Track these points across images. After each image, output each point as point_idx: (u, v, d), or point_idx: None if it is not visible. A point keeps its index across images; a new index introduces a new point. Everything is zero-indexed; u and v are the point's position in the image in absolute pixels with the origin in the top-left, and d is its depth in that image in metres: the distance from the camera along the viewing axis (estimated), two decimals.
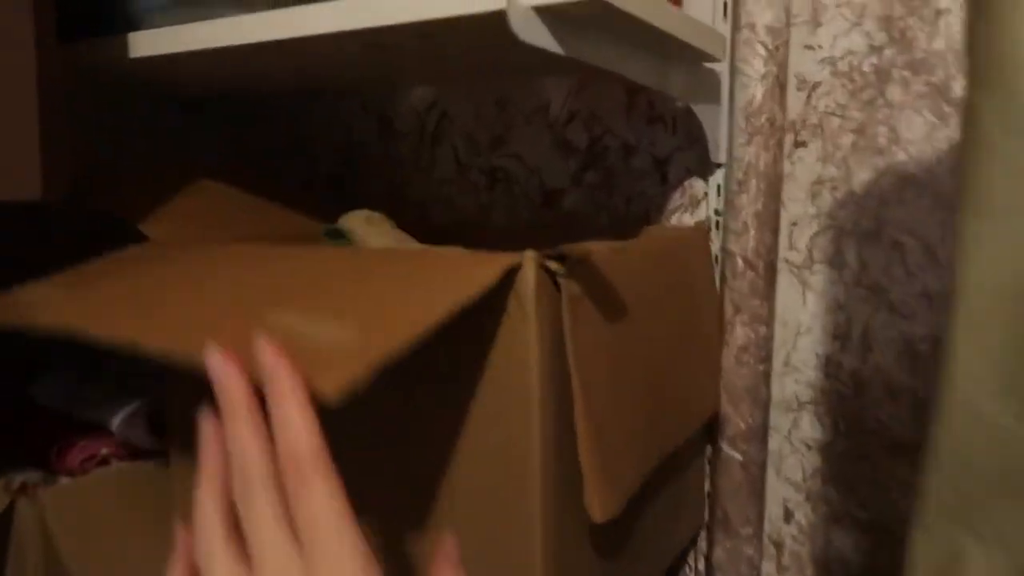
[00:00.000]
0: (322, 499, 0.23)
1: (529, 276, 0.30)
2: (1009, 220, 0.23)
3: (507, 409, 0.31)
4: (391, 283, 0.30)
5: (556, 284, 0.31)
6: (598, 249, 0.34)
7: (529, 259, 0.30)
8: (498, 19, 0.30)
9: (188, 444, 0.39)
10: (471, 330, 0.31)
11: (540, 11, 0.31)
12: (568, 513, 0.32)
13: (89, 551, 0.45)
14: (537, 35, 0.31)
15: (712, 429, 0.47)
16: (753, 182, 0.43)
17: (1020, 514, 0.25)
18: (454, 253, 0.33)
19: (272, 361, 0.24)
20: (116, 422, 0.54)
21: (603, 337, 0.34)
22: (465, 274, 0.30)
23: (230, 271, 0.35)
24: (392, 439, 0.34)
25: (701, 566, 0.50)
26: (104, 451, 0.52)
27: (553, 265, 0.31)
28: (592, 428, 0.32)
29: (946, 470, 0.26)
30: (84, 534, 0.45)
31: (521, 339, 0.30)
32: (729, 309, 0.45)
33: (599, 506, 0.31)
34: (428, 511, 0.34)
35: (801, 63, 0.47)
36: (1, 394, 0.61)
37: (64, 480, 0.48)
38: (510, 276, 0.30)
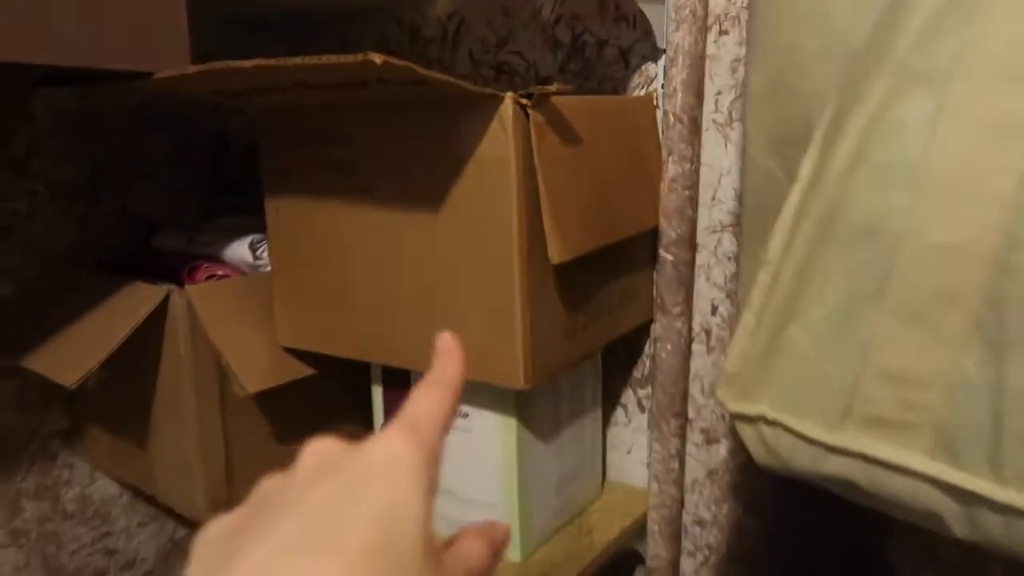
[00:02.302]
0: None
1: (508, 106, 0.48)
2: (766, 52, 0.40)
3: (495, 192, 0.50)
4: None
5: (526, 113, 0.49)
6: (559, 96, 0.52)
7: (508, 96, 0.48)
8: None
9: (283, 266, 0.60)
10: (472, 138, 0.49)
11: None
12: (536, 258, 0.51)
13: (218, 328, 0.65)
14: None
15: (654, 241, 0.65)
16: (680, 58, 0.60)
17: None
18: (466, 91, 0.51)
19: (450, 346, 0.28)
20: (227, 253, 0.74)
21: (560, 152, 0.52)
22: (477, 104, 0.48)
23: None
24: (408, 222, 0.53)
25: (653, 347, 0.70)
26: (220, 272, 0.72)
27: (524, 100, 0.49)
28: (551, 204, 0.50)
29: (748, 210, 0.44)
30: (215, 317, 0.65)
31: (503, 146, 0.49)
32: (664, 152, 0.62)
33: (556, 250, 0.50)
34: (437, 265, 0.53)
35: None
36: (133, 246, 0.81)
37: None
38: (496, 105, 0.48)
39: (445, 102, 0.50)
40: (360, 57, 0.40)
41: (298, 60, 0.43)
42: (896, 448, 0.35)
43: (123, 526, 0.85)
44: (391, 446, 0.23)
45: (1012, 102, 0.29)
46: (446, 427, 0.25)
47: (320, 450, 0.24)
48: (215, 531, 0.23)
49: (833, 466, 0.37)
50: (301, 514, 0.21)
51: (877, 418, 0.35)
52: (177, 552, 0.91)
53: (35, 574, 0.78)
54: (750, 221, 0.44)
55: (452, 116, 0.51)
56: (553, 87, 0.49)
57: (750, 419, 0.39)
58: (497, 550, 0.28)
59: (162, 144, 0.85)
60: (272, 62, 0.44)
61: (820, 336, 0.36)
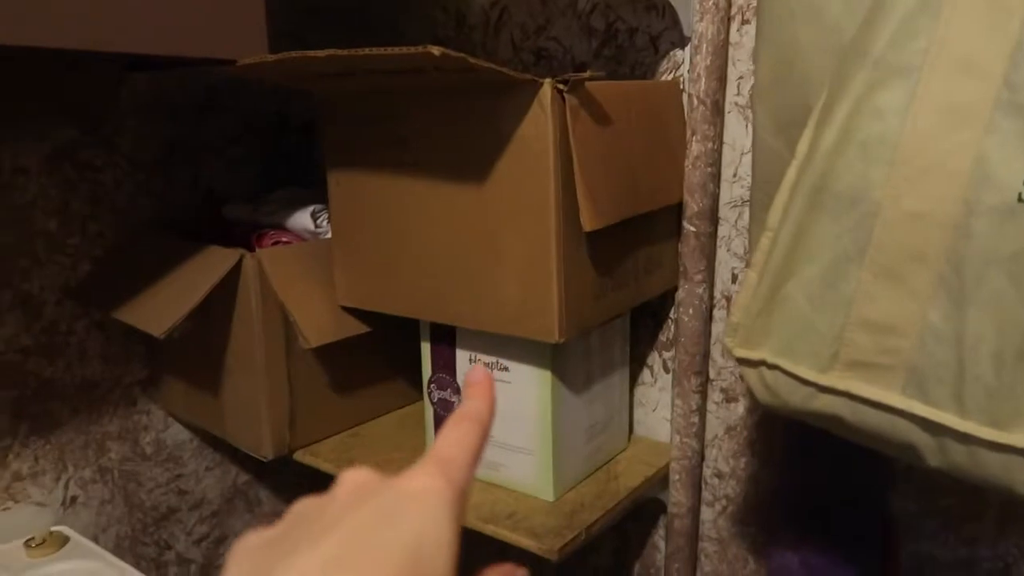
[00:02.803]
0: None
1: (547, 90, 0.55)
2: (771, 45, 0.46)
3: (534, 167, 0.56)
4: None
5: (563, 97, 0.56)
6: (593, 81, 0.58)
7: (547, 81, 0.55)
8: None
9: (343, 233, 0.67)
10: (514, 119, 0.56)
11: None
12: (570, 227, 0.57)
13: (285, 287, 0.72)
14: None
15: (679, 214, 0.71)
16: (704, 46, 0.66)
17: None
18: (509, 77, 0.57)
19: (481, 379, 0.29)
20: (290, 222, 0.81)
21: (593, 131, 0.58)
22: (519, 89, 0.54)
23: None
24: (455, 193, 0.60)
25: (676, 311, 0.76)
26: (284, 239, 0.80)
27: (560, 85, 0.55)
28: (584, 178, 0.57)
29: (757, 183, 0.50)
30: (283, 278, 0.73)
31: (542, 126, 0.55)
32: (688, 132, 0.68)
33: (588, 220, 0.57)
34: (481, 232, 0.60)
35: None
36: (204, 215, 0.89)
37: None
38: (536, 90, 0.55)
39: (490, 87, 0.57)
40: (421, 49, 0.47)
41: (367, 51, 0.50)
42: (875, 387, 0.41)
43: (192, 469, 0.95)
44: (424, 480, 0.24)
45: (967, 91, 0.35)
46: (476, 462, 0.27)
47: (358, 480, 0.25)
48: (254, 541, 0.24)
49: (823, 404, 0.43)
50: (342, 533, 0.22)
51: (859, 362, 0.41)
52: (239, 496, 1.01)
53: (118, 508, 0.88)
54: (758, 193, 0.50)
55: (496, 99, 0.57)
56: (587, 74, 0.55)
57: (753, 363, 0.45)
58: None
59: (227, 123, 0.92)
60: (344, 52, 0.51)
61: (812, 291, 0.42)
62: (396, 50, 0.49)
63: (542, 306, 0.59)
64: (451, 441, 0.27)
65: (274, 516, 1.05)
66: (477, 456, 0.27)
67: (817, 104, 0.41)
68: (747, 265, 0.48)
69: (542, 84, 0.55)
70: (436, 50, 0.47)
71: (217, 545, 0.99)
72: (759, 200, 0.49)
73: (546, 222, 0.57)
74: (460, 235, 0.63)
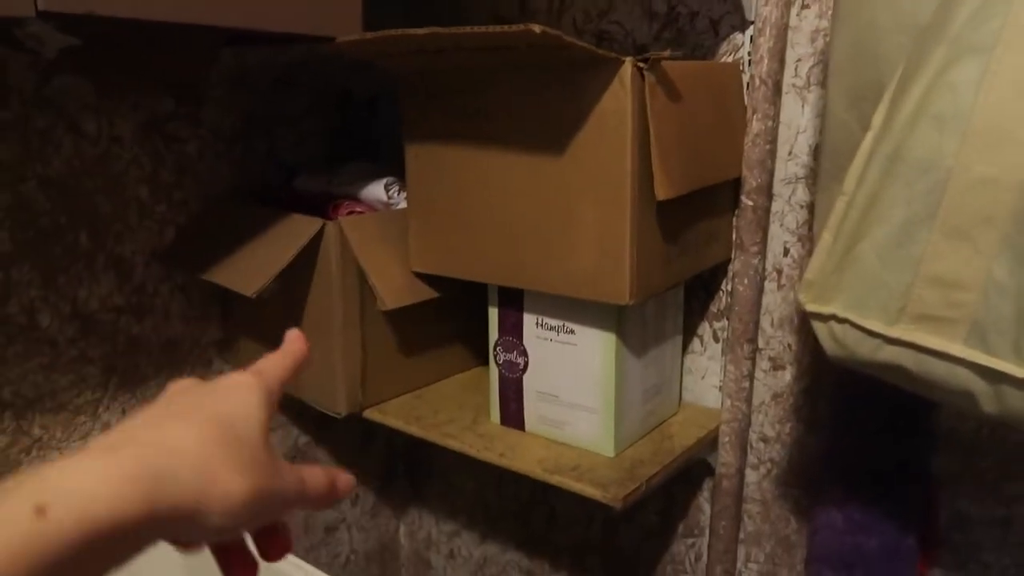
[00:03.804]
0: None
1: (627, 68, 0.59)
2: (848, 26, 0.50)
3: (612, 139, 0.61)
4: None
5: (642, 74, 0.60)
6: (667, 61, 0.62)
7: (628, 60, 0.59)
8: None
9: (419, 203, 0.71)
10: (595, 94, 0.60)
11: None
12: (644, 195, 0.62)
13: (364, 253, 0.77)
14: None
15: (736, 189, 0.75)
16: (767, 29, 0.70)
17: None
18: (595, 54, 0.61)
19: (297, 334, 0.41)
20: (364, 193, 0.86)
21: (668, 107, 0.63)
22: (601, 66, 0.59)
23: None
24: (534, 163, 0.64)
25: (731, 280, 0.80)
26: (358, 209, 0.84)
27: (640, 64, 0.60)
28: (659, 150, 0.61)
29: (827, 154, 0.54)
30: (361, 244, 0.77)
31: (622, 101, 0.60)
32: (749, 111, 0.72)
33: (662, 189, 0.61)
34: (558, 199, 0.64)
35: None
36: (278, 186, 0.94)
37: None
38: (617, 67, 0.59)
39: (573, 63, 0.61)
40: (522, 27, 0.51)
41: (468, 29, 0.55)
42: (939, 338, 0.45)
43: None
44: (239, 377, 0.35)
45: None
46: (284, 381, 0.37)
47: (187, 383, 0.35)
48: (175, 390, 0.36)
49: (889, 354, 0.48)
50: (183, 401, 0.33)
51: (925, 315, 0.46)
52: (300, 456, 1.06)
53: None
54: (828, 163, 0.54)
55: (578, 75, 0.61)
56: (666, 52, 0.59)
57: (824, 317, 0.50)
58: (338, 487, 0.38)
59: (299, 97, 0.97)
60: (445, 31, 0.56)
61: (883, 251, 0.46)
62: (497, 28, 0.53)
63: (615, 270, 0.64)
64: (268, 362, 0.38)
65: None
66: (286, 378, 0.38)
67: (892, 81, 0.46)
68: (816, 230, 0.52)
69: (623, 62, 0.59)
70: (537, 28, 0.51)
71: None
72: (829, 170, 0.53)
73: (622, 190, 0.61)
74: (536, 203, 0.67)
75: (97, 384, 0.83)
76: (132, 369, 0.85)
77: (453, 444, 0.78)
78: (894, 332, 0.47)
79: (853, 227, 0.47)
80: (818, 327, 0.51)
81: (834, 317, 0.49)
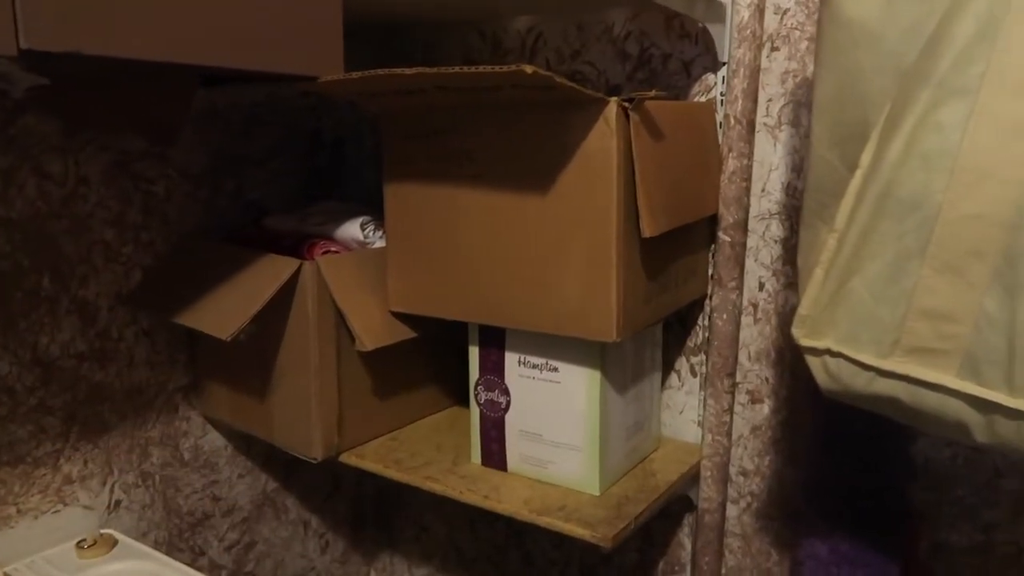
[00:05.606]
0: None
1: (612, 108, 0.60)
2: (832, 69, 0.51)
3: (598, 178, 0.61)
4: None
5: (627, 114, 0.61)
6: (650, 100, 0.63)
7: (613, 100, 0.60)
8: None
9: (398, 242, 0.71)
10: (580, 133, 0.61)
11: None
12: (629, 232, 0.62)
13: (342, 293, 0.76)
14: None
15: (713, 226, 0.77)
16: (741, 70, 0.72)
17: (835, 206, 0.53)
18: (582, 95, 0.62)
19: None
20: (338, 232, 0.85)
21: (651, 146, 0.63)
22: (587, 105, 0.59)
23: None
24: (519, 203, 0.65)
25: (708, 315, 0.81)
26: (333, 248, 0.83)
27: (625, 104, 0.60)
28: (644, 188, 0.62)
29: (811, 190, 0.55)
30: (339, 284, 0.76)
31: (607, 140, 0.60)
32: (724, 149, 0.74)
33: (648, 226, 0.61)
34: (543, 239, 0.64)
35: None
36: (247, 226, 0.92)
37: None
38: (603, 107, 0.60)
39: (559, 103, 0.62)
40: (514, 67, 0.52)
41: (456, 68, 0.55)
42: (932, 370, 0.46)
43: (227, 476, 0.97)
44: None
45: (1019, 110, 0.40)
46: None
47: None
48: None
49: (882, 387, 0.48)
50: None
51: (918, 348, 0.47)
52: (268, 503, 1.03)
53: (158, 512, 0.90)
54: (811, 200, 0.55)
55: (563, 115, 0.62)
56: (651, 92, 0.60)
57: (818, 352, 0.50)
58: None
59: (268, 136, 0.96)
60: (432, 70, 0.56)
61: (875, 286, 0.47)
62: (488, 68, 0.53)
63: (601, 307, 0.64)
64: None
65: (300, 523, 1.08)
66: None
67: (878, 120, 0.47)
68: (802, 264, 0.53)
69: (609, 102, 0.60)
70: (528, 68, 0.52)
71: (246, 551, 1.01)
72: (813, 207, 0.55)
73: (608, 228, 0.62)
74: (520, 241, 0.67)
75: (57, 435, 0.79)
76: (94, 418, 0.82)
77: (435, 487, 0.76)
78: (888, 365, 0.48)
79: (845, 263, 0.48)
80: (812, 361, 0.51)
81: (828, 351, 0.50)
